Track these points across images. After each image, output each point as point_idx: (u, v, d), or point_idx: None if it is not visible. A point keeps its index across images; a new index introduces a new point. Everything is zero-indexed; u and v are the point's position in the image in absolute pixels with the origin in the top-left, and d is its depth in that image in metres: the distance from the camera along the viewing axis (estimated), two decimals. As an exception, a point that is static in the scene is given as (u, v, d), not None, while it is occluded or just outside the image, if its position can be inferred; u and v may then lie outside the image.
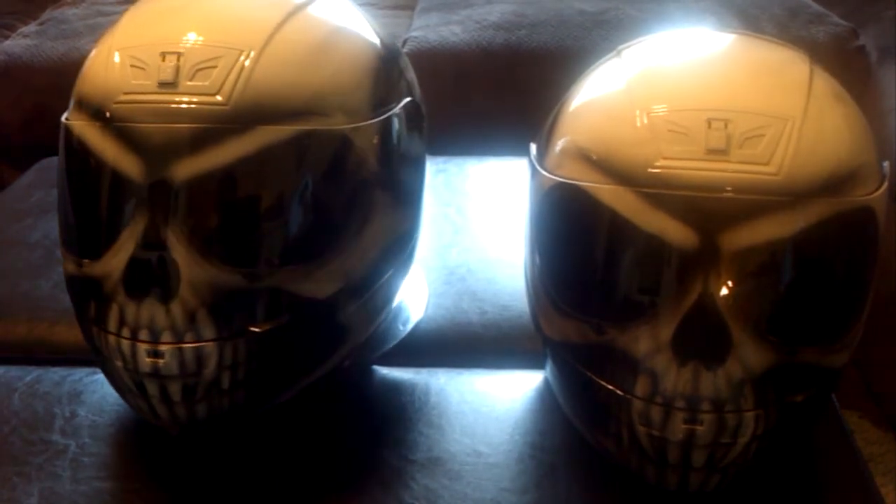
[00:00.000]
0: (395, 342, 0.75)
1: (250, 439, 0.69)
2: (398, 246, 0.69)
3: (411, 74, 0.72)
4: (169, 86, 0.57)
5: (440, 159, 1.11)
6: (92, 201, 0.60)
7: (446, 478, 0.65)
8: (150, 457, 0.68)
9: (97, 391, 0.73)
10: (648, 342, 0.57)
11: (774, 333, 0.56)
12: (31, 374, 0.75)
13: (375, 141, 0.63)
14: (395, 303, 0.75)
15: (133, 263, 0.57)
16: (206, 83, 0.57)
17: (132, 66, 0.58)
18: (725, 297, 0.54)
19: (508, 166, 1.12)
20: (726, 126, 0.55)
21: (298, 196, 0.60)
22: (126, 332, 0.59)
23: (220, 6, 0.65)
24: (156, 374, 0.59)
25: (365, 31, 0.68)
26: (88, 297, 0.62)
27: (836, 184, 0.55)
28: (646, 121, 0.57)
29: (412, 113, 0.68)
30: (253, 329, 0.60)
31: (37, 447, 0.68)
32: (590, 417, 0.64)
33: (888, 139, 1.25)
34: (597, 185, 0.57)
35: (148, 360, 0.59)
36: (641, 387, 0.57)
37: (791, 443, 0.62)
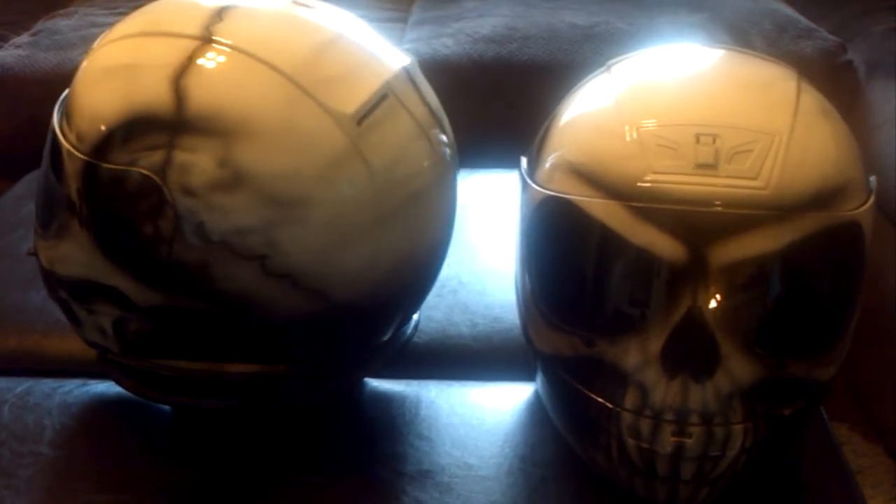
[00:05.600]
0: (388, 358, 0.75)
1: (241, 450, 0.69)
2: (104, 292, 0.63)
3: (184, 158, 0.58)
4: None
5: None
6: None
7: (436, 490, 0.65)
8: (142, 469, 0.68)
9: (88, 403, 0.73)
10: (638, 355, 0.57)
11: (763, 347, 0.56)
12: (22, 385, 0.75)
13: (78, 173, 0.61)
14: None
15: None
16: None
17: None
18: (714, 310, 0.55)
19: (499, 179, 1.12)
20: (715, 141, 0.55)
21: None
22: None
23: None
24: None
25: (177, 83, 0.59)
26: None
27: (823, 198, 0.56)
28: (635, 135, 0.57)
29: (130, 188, 0.59)
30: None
31: (26, 459, 0.68)
32: (579, 430, 0.64)
33: (876, 154, 1.26)
34: (587, 199, 0.58)
35: None
36: (631, 399, 0.58)
37: (780, 455, 0.62)
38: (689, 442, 0.57)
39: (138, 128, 0.59)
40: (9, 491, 0.65)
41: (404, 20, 1.71)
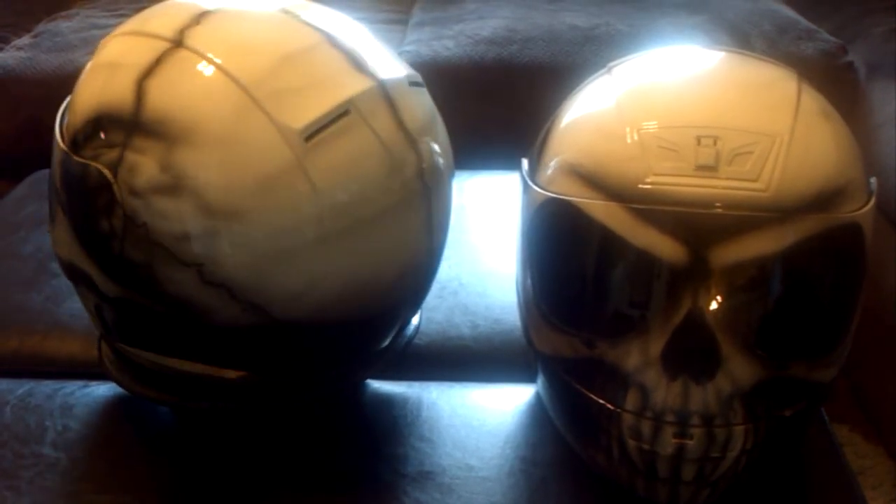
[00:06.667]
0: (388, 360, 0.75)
1: (242, 452, 0.69)
2: (71, 271, 0.67)
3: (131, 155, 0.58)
4: None
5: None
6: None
7: (438, 492, 0.65)
8: (143, 470, 0.68)
9: (89, 404, 0.73)
10: (638, 356, 0.57)
11: (763, 348, 0.57)
12: (23, 387, 0.75)
13: (60, 162, 0.63)
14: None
15: None
16: None
17: None
18: (715, 311, 0.55)
19: (500, 180, 1.12)
20: (715, 143, 0.55)
21: None
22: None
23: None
24: None
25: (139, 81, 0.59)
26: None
27: (824, 200, 0.56)
28: (636, 137, 0.57)
29: (90, 183, 0.60)
30: None
31: (28, 460, 0.68)
32: (580, 431, 0.64)
33: (876, 155, 1.26)
34: (588, 201, 0.58)
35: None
36: (631, 401, 0.58)
37: (781, 456, 0.62)
38: (689, 443, 0.57)
39: (104, 124, 0.60)
40: (10, 492, 0.65)
41: (405, 22, 1.71)
